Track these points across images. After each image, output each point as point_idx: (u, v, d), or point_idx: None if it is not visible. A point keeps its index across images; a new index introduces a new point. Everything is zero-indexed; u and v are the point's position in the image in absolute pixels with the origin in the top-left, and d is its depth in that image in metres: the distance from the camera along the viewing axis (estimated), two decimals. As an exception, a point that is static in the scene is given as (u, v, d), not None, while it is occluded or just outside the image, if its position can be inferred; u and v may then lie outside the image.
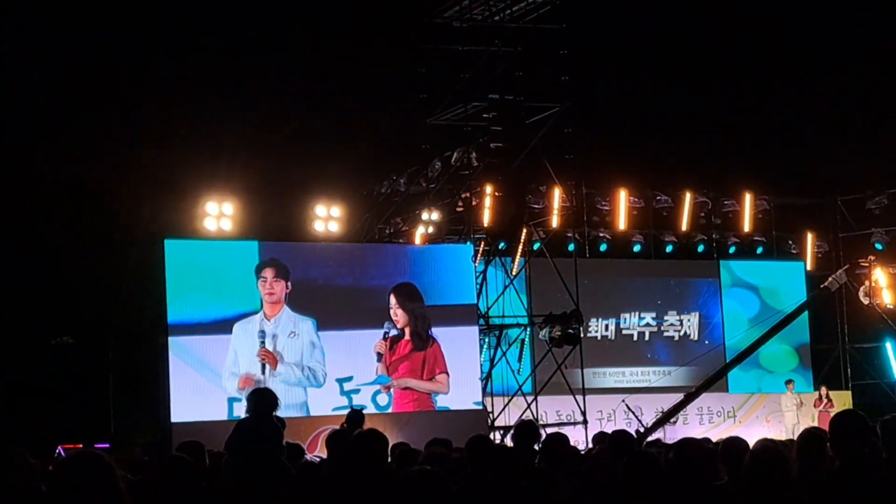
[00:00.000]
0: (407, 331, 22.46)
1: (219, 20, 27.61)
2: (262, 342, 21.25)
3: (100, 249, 25.80)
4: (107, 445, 22.25)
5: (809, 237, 30.73)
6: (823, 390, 27.50)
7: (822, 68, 32.66)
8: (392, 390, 22.15)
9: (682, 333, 28.65)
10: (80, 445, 26.84)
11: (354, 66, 28.26)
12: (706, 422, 26.70)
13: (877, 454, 7.93)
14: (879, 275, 26.85)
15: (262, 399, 10.85)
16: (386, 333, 22.23)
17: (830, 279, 25.36)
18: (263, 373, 21.03)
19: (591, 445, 12.32)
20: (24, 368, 32.60)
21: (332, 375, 21.77)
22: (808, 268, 30.19)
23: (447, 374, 22.61)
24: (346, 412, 17.28)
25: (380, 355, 22.11)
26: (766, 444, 7.56)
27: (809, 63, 33.04)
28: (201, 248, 21.70)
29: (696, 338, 28.58)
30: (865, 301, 26.48)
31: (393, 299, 22.40)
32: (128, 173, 24.07)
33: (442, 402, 22.48)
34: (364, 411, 18.66)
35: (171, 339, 20.91)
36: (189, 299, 21.09)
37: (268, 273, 21.53)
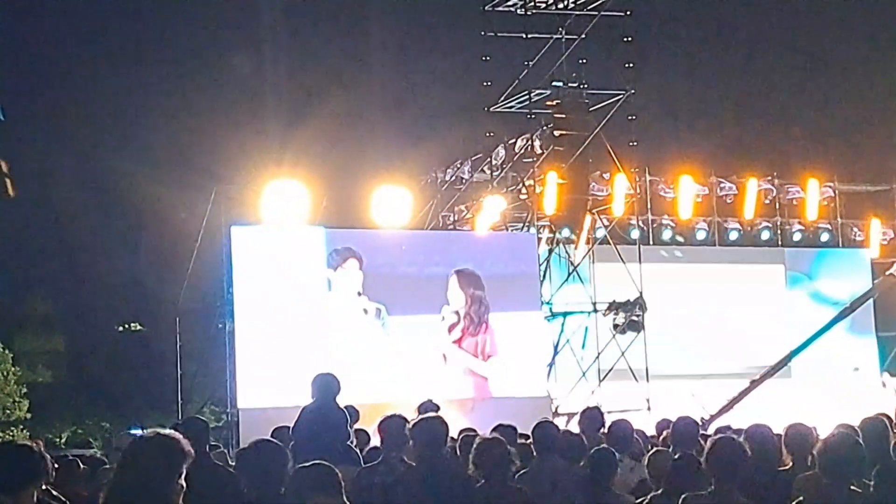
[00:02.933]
0: (462, 313, 22.52)
1: (288, 6, 27.90)
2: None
3: (168, 236, 26.17)
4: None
5: (874, 224, 30.48)
6: (886, 376, 27.32)
7: (888, 54, 32.40)
8: (449, 374, 22.20)
9: (746, 320, 28.50)
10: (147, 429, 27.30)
11: (420, 55, 28.42)
12: (771, 408, 26.62)
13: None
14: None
15: (325, 384, 10.91)
16: (446, 317, 22.32)
17: (895, 266, 25.18)
18: (365, 314, 21.32)
19: (654, 432, 12.34)
20: (94, 354, 33.12)
21: (401, 361, 21.83)
22: (874, 255, 29.96)
23: (498, 357, 22.67)
24: (414, 398, 17.44)
25: (438, 338, 22.21)
26: (841, 431, 7.60)
27: (875, 50, 32.78)
28: (267, 235, 21.86)
29: (760, 325, 28.43)
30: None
31: (455, 281, 22.47)
32: (194, 160, 24.36)
33: (506, 388, 22.55)
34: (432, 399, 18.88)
35: (237, 325, 21.10)
36: (255, 285, 21.26)
37: (352, 264, 21.61)
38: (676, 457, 8.28)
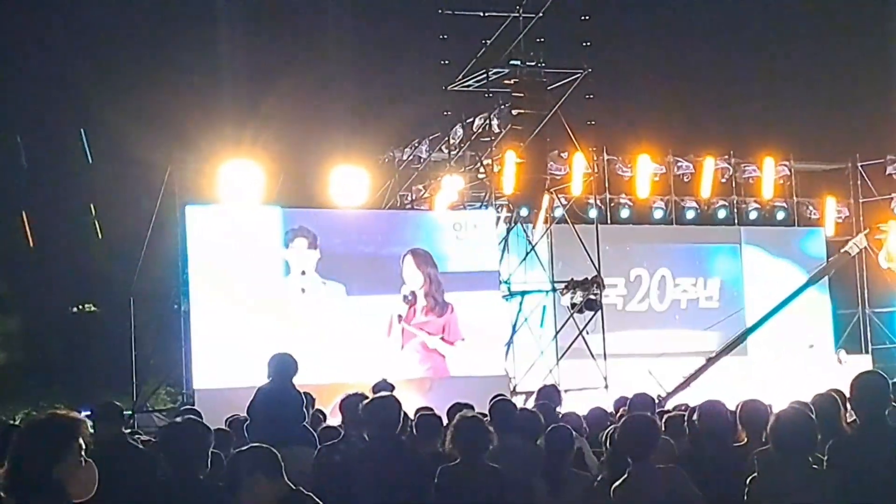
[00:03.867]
0: (423, 292, 22.50)
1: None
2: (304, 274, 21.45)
3: (121, 216, 25.95)
4: (129, 412, 22.46)
5: (830, 202, 30.64)
6: (843, 353, 27.49)
7: (844, 33, 32.54)
8: (405, 354, 22.19)
9: (702, 299, 28.64)
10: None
11: (376, 32, 28.29)
12: (727, 385, 26.76)
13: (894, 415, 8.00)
14: (899, 239, 26.81)
15: (281, 364, 10.88)
16: (406, 297, 22.30)
17: (850, 244, 25.37)
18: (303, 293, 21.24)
19: (612, 410, 12.36)
20: (49, 335, 32.85)
21: (357, 341, 21.81)
22: (829, 233, 30.13)
23: (462, 339, 22.70)
24: (370, 380, 17.40)
25: (399, 317, 22.19)
26: (794, 407, 7.64)
27: (830, 28, 32.91)
28: (223, 214, 21.72)
29: (716, 303, 28.58)
30: (885, 266, 26.47)
31: (410, 261, 22.43)
32: (148, 138, 24.16)
33: (464, 368, 22.55)
34: (388, 378, 18.82)
35: (192, 305, 20.99)
36: (211, 265, 21.14)
37: (300, 243, 21.54)
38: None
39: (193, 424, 6.93)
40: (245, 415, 10.92)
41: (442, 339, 22.60)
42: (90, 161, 29.56)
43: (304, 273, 21.49)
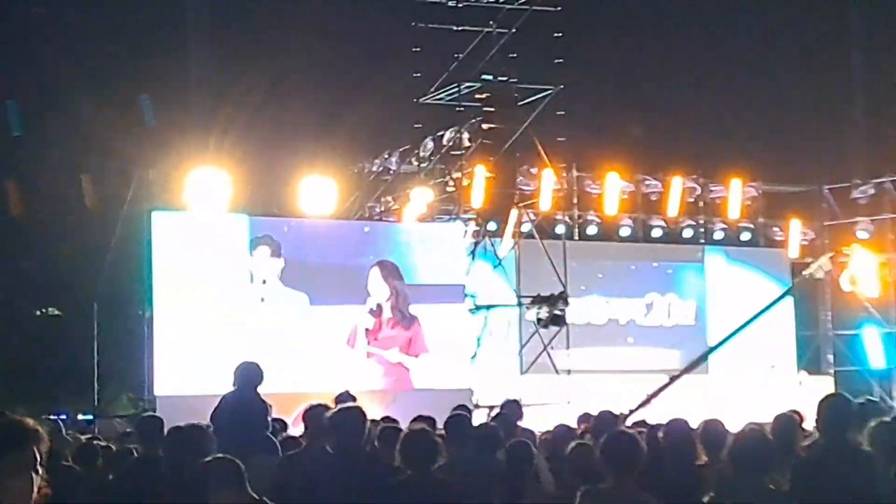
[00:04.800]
0: (389, 305, 22.48)
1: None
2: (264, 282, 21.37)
3: (87, 221, 25.81)
4: (91, 417, 22.35)
5: (795, 225, 30.82)
6: (804, 375, 27.64)
7: (813, 58, 32.76)
8: (368, 365, 22.17)
9: (668, 317, 28.75)
10: (63, 416, 26.91)
11: (348, 43, 28.28)
12: (688, 403, 26.83)
13: (858, 437, 8.05)
14: (862, 263, 26.99)
15: (247, 373, 10.86)
16: (372, 310, 22.26)
17: (814, 266, 25.47)
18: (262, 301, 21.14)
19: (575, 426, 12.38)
20: (11, 339, 32.60)
21: (320, 351, 21.79)
22: (793, 255, 30.30)
23: (427, 353, 22.68)
24: (333, 388, 17.37)
25: (358, 328, 22.15)
26: (752, 427, 7.68)
27: (800, 52, 33.13)
28: (189, 221, 21.64)
29: (681, 321, 28.69)
30: (848, 289, 26.64)
31: (377, 273, 22.42)
32: (115, 144, 24.06)
33: (428, 380, 22.55)
34: (351, 390, 18.78)
35: (156, 312, 20.89)
36: (176, 272, 21.05)
37: (263, 251, 21.49)
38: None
39: (198, 431, 6.97)
40: (207, 422, 10.87)
41: (406, 352, 22.59)
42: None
43: (264, 282, 21.43)
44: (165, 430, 8.77)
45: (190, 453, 6.79)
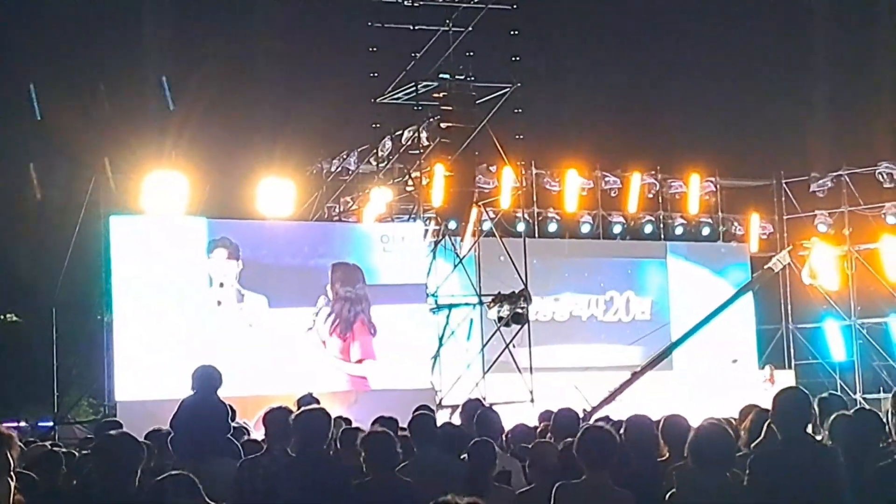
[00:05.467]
0: (334, 310, 22.35)
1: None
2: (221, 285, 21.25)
3: (45, 225, 25.61)
4: (51, 423, 22.16)
5: (754, 219, 30.97)
6: (769, 369, 27.74)
7: (770, 53, 32.92)
8: (327, 367, 22.08)
9: (629, 313, 28.83)
10: (23, 423, 26.70)
11: (305, 43, 28.18)
12: (653, 399, 26.90)
13: (816, 430, 8.05)
14: (821, 256, 27.13)
15: (206, 376, 10.78)
16: (320, 310, 22.14)
17: (773, 260, 25.62)
18: (219, 306, 21.06)
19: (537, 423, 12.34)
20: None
21: (282, 354, 21.68)
22: (753, 249, 30.45)
23: (374, 359, 22.53)
24: (294, 390, 17.28)
25: (308, 329, 22.04)
26: (711, 422, 7.67)
27: (757, 47, 33.28)
28: (147, 225, 21.49)
29: (642, 317, 28.78)
30: (807, 282, 26.78)
31: (329, 277, 22.35)
32: (72, 148, 23.89)
33: (390, 381, 22.47)
34: (313, 390, 18.69)
35: (116, 316, 20.74)
36: (135, 276, 20.90)
37: (220, 253, 21.37)
38: (561, 448, 8.27)
39: (126, 439, 6.88)
40: (167, 427, 10.78)
41: (349, 359, 22.42)
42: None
43: (222, 285, 21.30)
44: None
45: (115, 462, 6.70)
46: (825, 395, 9.03)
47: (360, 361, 22.49)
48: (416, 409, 10.48)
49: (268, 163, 23.64)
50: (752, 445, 8.01)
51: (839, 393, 28.69)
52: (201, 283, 21.32)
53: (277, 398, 11.48)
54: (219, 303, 21.20)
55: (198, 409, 10.48)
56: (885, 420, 8.29)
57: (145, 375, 20.20)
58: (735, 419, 9.59)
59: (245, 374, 20.93)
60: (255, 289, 21.59)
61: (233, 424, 12.05)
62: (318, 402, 11.51)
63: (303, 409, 8.88)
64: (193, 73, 25.90)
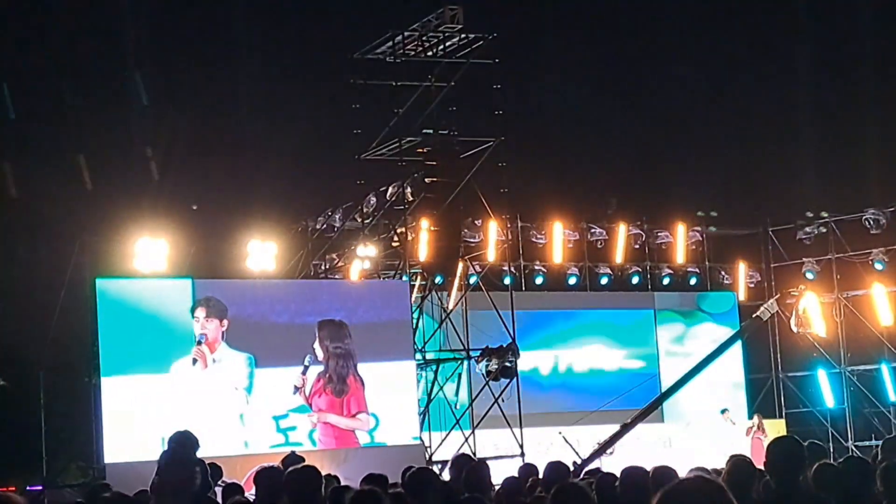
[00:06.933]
0: (323, 368, 22.26)
1: (155, 54, 27.59)
2: (199, 343, 21.14)
3: (31, 290, 25.52)
4: (40, 487, 21.98)
5: (741, 267, 31.01)
6: (757, 419, 27.69)
7: (755, 102, 33.09)
8: (315, 425, 22.00)
9: (618, 364, 28.78)
10: (14, 488, 26.48)
11: (287, 101, 28.27)
12: (643, 451, 26.80)
13: (809, 481, 8.00)
14: (810, 304, 27.12)
15: (180, 439, 10.80)
16: (306, 368, 22.06)
17: (762, 309, 25.56)
18: (194, 364, 20.95)
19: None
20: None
21: (269, 412, 21.63)
22: (741, 298, 30.45)
23: (367, 412, 22.48)
24: (283, 449, 17.24)
25: (296, 388, 21.95)
26: (697, 473, 7.62)
27: (738, 95, 33.46)
28: (134, 287, 21.49)
29: (632, 368, 28.72)
30: (796, 330, 26.75)
31: (317, 334, 22.31)
32: (56, 212, 23.88)
33: (378, 437, 22.40)
34: (301, 449, 18.60)
35: (103, 380, 20.67)
36: (122, 339, 20.87)
37: (199, 313, 21.35)
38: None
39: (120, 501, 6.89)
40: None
41: (341, 414, 22.33)
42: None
43: (199, 343, 21.22)
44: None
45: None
46: (805, 443, 9.00)
47: (356, 415, 22.40)
48: (408, 468, 10.43)
49: (253, 222, 23.64)
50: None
51: (830, 441, 28.77)
52: (187, 343, 21.27)
53: (266, 457, 11.46)
54: (194, 361, 21.10)
55: (174, 470, 10.47)
56: (874, 468, 8.25)
57: (133, 437, 20.14)
58: (724, 469, 9.54)
59: (233, 434, 20.91)
60: (242, 347, 21.54)
61: (221, 483, 12.02)
62: (303, 460, 11.45)
63: (293, 467, 8.84)
64: (176, 137, 25.93)
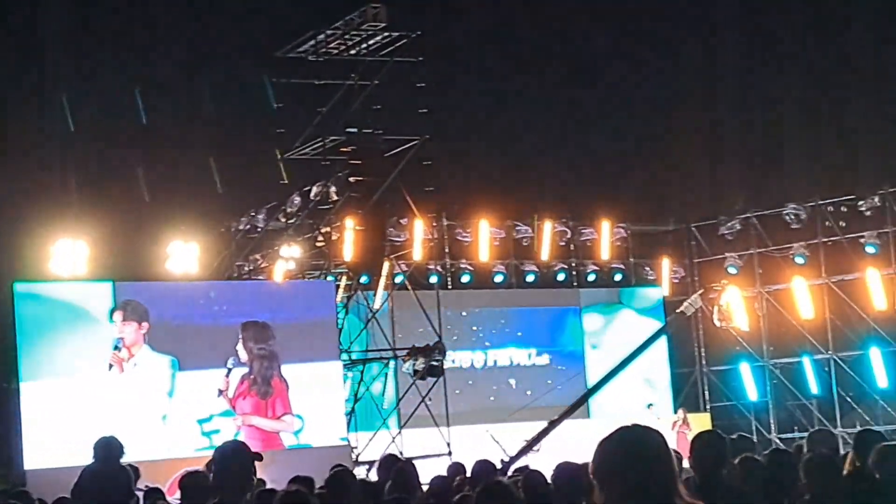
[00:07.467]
0: (246, 369, 22.12)
1: (78, 47, 27.26)
2: (117, 348, 20.92)
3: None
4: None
5: (665, 263, 31.20)
6: (682, 413, 27.86)
7: (676, 98, 33.29)
8: (240, 428, 21.84)
9: (544, 361, 28.81)
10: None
11: (209, 102, 28.00)
12: (570, 448, 26.87)
13: (733, 474, 8.03)
14: (732, 298, 27.38)
15: (106, 446, 10.68)
16: (229, 370, 21.90)
17: (686, 304, 25.74)
18: (110, 370, 20.72)
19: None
20: None
21: (192, 415, 21.45)
22: (665, 293, 30.62)
23: (292, 414, 22.36)
24: (207, 453, 17.04)
25: (220, 391, 21.80)
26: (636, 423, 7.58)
27: (663, 91, 33.64)
28: (52, 290, 21.21)
29: (557, 365, 28.77)
30: (719, 324, 26.97)
31: (239, 335, 22.15)
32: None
33: (305, 438, 22.27)
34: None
35: (22, 385, 20.39)
36: (41, 343, 20.59)
37: (117, 316, 21.12)
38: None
39: None
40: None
41: (265, 415, 22.20)
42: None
43: (117, 348, 20.99)
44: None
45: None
46: (734, 436, 9.04)
47: (280, 417, 22.28)
48: (334, 467, 10.35)
49: (174, 223, 23.40)
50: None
51: (754, 434, 29.02)
52: (106, 347, 21.03)
53: (189, 461, 11.31)
54: (110, 366, 20.87)
55: (98, 477, 10.35)
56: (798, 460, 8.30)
57: (54, 443, 19.90)
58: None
59: (155, 438, 20.70)
60: (165, 350, 21.33)
61: (142, 487, 11.87)
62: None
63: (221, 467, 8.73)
64: (95, 135, 25.59)
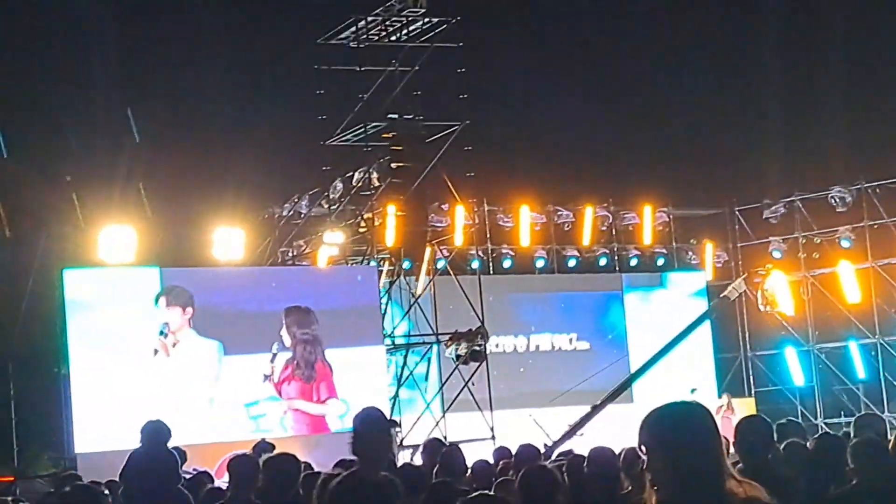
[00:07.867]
0: (291, 354, 22.27)
1: (123, 41, 27.48)
2: (162, 334, 21.11)
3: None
4: (11, 479, 21.91)
5: (708, 248, 31.09)
6: (726, 398, 27.79)
7: (719, 81, 33.18)
8: (286, 412, 22.02)
9: (587, 346, 28.81)
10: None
11: (253, 89, 28.17)
12: (613, 432, 26.87)
13: (778, 459, 8.04)
14: (777, 283, 27.24)
15: (153, 430, 10.80)
16: (274, 356, 22.06)
17: (729, 288, 25.64)
18: (155, 355, 20.92)
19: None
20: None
21: (239, 400, 21.63)
22: (709, 278, 30.51)
23: (337, 398, 22.50)
24: (254, 436, 17.22)
25: (266, 376, 21.96)
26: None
27: (705, 76, 33.54)
28: (100, 277, 21.43)
29: (601, 350, 28.75)
30: (763, 309, 26.87)
31: (283, 320, 22.31)
32: (22, 203, 23.70)
33: (350, 422, 22.36)
34: (272, 436, 18.58)
35: (72, 369, 20.63)
36: (90, 328, 20.82)
37: (162, 302, 21.32)
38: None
39: (86, 492, 6.88)
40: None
41: (310, 400, 22.37)
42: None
43: (163, 333, 21.18)
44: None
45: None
46: (783, 421, 9.04)
47: (325, 401, 22.43)
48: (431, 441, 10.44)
49: (220, 210, 23.56)
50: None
51: (800, 419, 28.91)
52: (154, 332, 21.24)
53: (236, 445, 11.43)
54: (155, 352, 21.07)
55: (146, 461, 10.46)
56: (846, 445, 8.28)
57: (104, 427, 20.14)
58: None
59: (203, 422, 20.89)
60: (210, 335, 21.51)
61: (190, 470, 12.02)
62: (272, 447, 11.44)
63: (270, 455, 8.85)
64: (146, 123, 25.77)
